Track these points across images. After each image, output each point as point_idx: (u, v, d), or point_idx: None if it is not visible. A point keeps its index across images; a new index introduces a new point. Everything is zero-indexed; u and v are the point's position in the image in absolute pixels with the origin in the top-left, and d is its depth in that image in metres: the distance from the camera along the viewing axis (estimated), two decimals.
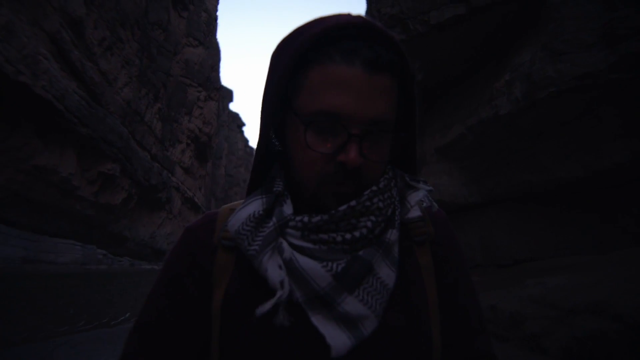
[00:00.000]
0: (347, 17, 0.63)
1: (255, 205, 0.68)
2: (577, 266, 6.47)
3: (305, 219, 0.64)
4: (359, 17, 0.64)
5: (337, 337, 0.60)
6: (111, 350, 5.05)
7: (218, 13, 51.69)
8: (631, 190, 8.56)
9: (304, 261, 0.62)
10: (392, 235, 0.66)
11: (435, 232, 0.73)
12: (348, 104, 0.59)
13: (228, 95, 77.39)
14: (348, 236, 0.63)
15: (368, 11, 13.77)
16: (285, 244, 0.65)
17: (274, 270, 0.62)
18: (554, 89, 7.88)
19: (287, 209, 0.67)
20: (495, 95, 9.39)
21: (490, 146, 10.23)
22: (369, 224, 0.64)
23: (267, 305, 0.61)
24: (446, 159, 11.81)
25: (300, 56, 0.62)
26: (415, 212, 0.70)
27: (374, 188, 0.64)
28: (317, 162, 0.62)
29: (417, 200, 0.71)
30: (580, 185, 9.18)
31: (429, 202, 0.72)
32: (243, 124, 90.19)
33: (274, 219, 0.66)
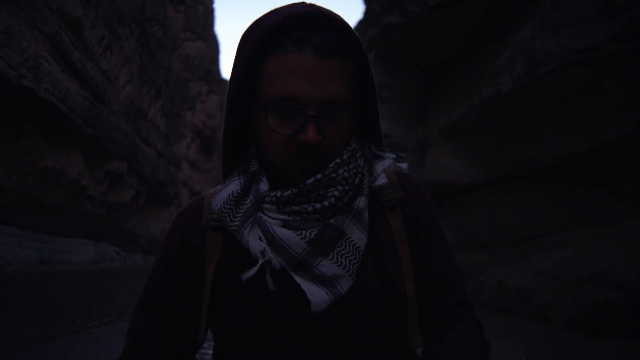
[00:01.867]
0: (299, 6, 0.69)
1: (233, 185, 0.76)
2: (583, 239, 6.52)
3: (279, 193, 0.72)
4: (309, 5, 0.70)
5: (316, 294, 0.68)
6: None
7: (215, 5, 51.27)
8: (637, 162, 8.54)
9: (281, 231, 0.70)
10: (361, 202, 0.73)
11: (405, 196, 0.80)
12: (302, 88, 0.66)
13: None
14: (318, 206, 0.70)
15: None
16: (264, 218, 0.72)
17: (254, 242, 0.70)
18: (555, 64, 7.84)
19: (263, 186, 0.75)
20: (496, 74, 9.36)
21: (494, 125, 10.22)
22: (336, 193, 0.71)
23: (252, 271, 0.70)
24: (451, 139, 11.81)
25: (257, 48, 0.69)
26: (382, 180, 0.78)
27: (338, 160, 0.72)
28: (280, 143, 0.69)
29: (383, 168, 0.79)
30: (586, 159, 9.17)
31: (398, 168, 0.80)
32: None
33: (251, 196, 0.74)
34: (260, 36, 0.68)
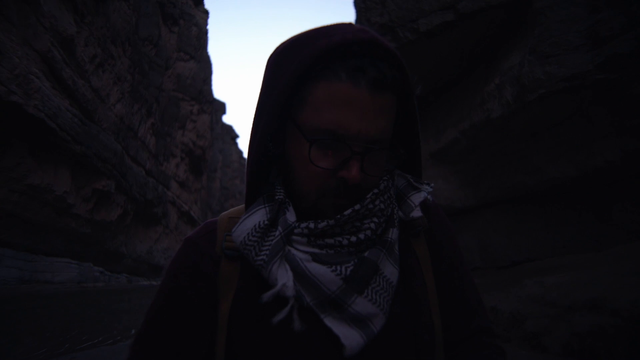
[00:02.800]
0: (353, 32, 0.63)
1: (259, 215, 0.69)
2: (574, 264, 6.54)
3: (312, 225, 0.66)
4: (364, 31, 0.64)
5: (350, 337, 0.63)
6: None
7: (208, 27, 51.90)
8: (624, 188, 8.69)
9: (313, 267, 0.64)
10: (393, 234, 0.69)
11: (429, 222, 0.77)
12: (353, 123, 0.61)
13: (221, 107, 77.48)
14: (353, 239, 0.66)
15: (358, 20, 13.94)
16: (293, 252, 0.66)
17: (284, 278, 0.64)
18: (543, 91, 8.02)
19: (291, 216, 0.68)
20: (486, 99, 9.53)
21: (483, 149, 10.35)
22: (372, 225, 0.67)
23: (283, 314, 0.63)
24: (441, 163, 11.92)
25: (306, 69, 0.63)
26: (418, 213, 0.73)
27: (375, 190, 0.68)
28: (318, 177, 0.65)
29: (421, 200, 0.73)
30: (574, 184, 9.29)
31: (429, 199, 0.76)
32: (237, 136, 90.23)
33: (280, 228, 0.67)
34: (310, 58, 0.62)
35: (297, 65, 0.63)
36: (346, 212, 0.65)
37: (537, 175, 9.60)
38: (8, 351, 5.99)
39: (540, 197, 10.10)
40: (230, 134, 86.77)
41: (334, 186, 0.65)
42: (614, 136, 8.07)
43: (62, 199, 19.87)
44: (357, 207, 0.65)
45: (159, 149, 35.46)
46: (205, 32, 52.15)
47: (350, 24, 0.66)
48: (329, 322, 0.64)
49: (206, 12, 53.54)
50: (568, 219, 9.53)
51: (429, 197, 0.75)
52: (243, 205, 0.76)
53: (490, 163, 10.39)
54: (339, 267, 0.64)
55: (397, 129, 0.72)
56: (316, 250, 0.66)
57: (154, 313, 0.72)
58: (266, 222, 0.68)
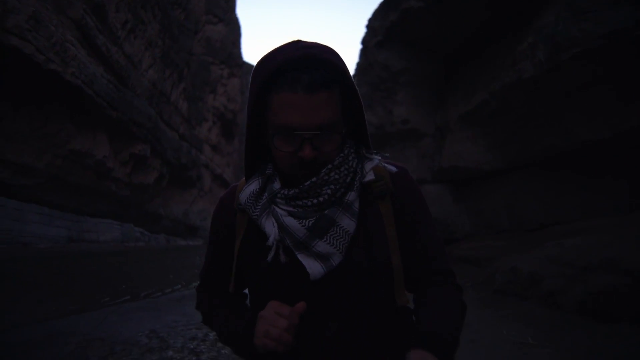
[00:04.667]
0: (292, 50, 0.88)
1: (254, 185, 1.00)
2: (600, 227, 6.51)
3: (285, 191, 0.95)
4: (301, 49, 0.88)
5: (314, 267, 0.91)
6: (155, 317, 5.52)
7: None
8: None
9: (288, 220, 0.93)
10: (351, 196, 0.94)
11: (394, 186, 1.00)
12: (297, 119, 0.86)
13: (250, 71, 77.13)
14: (315, 201, 0.93)
15: None
16: (275, 209, 0.96)
17: (269, 227, 0.94)
18: (578, 50, 7.70)
19: (276, 185, 0.98)
20: (518, 59, 9.23)
21: (514, 111, 10.11)
22: (328, 191, 0.92)
23: (272, 252, 0.94)
24: (470, 125, 11.73)
25: (264, 86, 0.89)
26: (370, 177, 0.98)
27: (330, 166, 0.93)
28: (285, 158, 0.91)
29: (372, 167, 0.99)
30: (607, 146, 9.02)
31: (391, 166, 1.00)
32: None
33: (266, 194, 0.97)
34: (264, 79, 0.89)
35: (258, 81, 0.90)
36: (306, 183, 0.92)
37: (568, 137, 9.36)
38: (64, 302, 6.64)
39: (570, 160, 9.88)
40: None
41: (297, 163, 0.90)
42: None
43: (102, 163, 20.80)
44: (314, 179, 0.92)
45: (191, 113, 36.08)
46: None
47: (297, 42, 0.90)
48: (300, 257, 0.92)
49: None
50: (599, 182, 9.32)
51: (381, 163, 1.00)
52: None
53: (520, 125, 10.17)
54: (304, 221, 0.92)
55: (349, 110, 0.97)
56: (291, 209, 0.94)
57: (209, 249, 1.14)
58: (257, 189, 0.99)
